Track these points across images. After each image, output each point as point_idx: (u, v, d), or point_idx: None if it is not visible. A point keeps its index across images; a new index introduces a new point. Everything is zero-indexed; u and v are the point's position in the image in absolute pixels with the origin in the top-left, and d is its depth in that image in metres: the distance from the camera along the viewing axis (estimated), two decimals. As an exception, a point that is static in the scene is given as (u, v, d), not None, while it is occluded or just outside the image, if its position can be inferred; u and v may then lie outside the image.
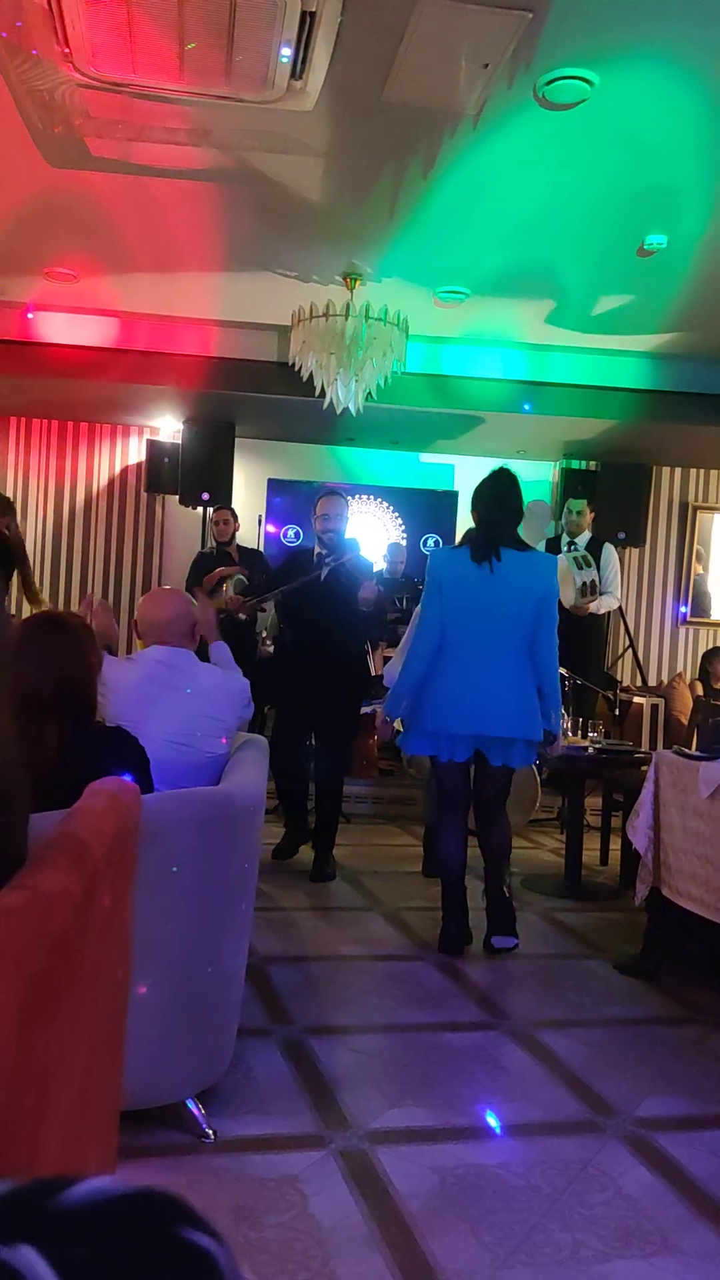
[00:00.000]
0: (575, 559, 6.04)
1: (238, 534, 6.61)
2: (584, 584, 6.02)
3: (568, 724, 4.63)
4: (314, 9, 3.05)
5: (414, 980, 3.28)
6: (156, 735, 2.28)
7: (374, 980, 3.26)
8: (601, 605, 6.16)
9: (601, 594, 6.15)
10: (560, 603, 6.10)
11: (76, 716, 2.06)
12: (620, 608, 7.76)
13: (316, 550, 4.72)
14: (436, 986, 3.24)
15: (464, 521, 8.14)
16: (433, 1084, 2.52)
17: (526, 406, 6.52)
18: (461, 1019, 2.98)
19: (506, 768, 3.57)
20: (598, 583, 6.01)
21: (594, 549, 6.30)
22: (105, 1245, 0.36)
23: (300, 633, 4.70)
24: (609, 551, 6.34)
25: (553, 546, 6.49)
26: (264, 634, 7.08)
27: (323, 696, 4.53)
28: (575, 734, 4.63)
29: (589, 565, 6.03)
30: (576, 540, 6.39)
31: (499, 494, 3.55)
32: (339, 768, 4.54)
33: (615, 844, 5.13)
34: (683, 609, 8.22)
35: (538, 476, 8.24)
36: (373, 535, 8.16)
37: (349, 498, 5.04)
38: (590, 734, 4.67)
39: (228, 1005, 2.26)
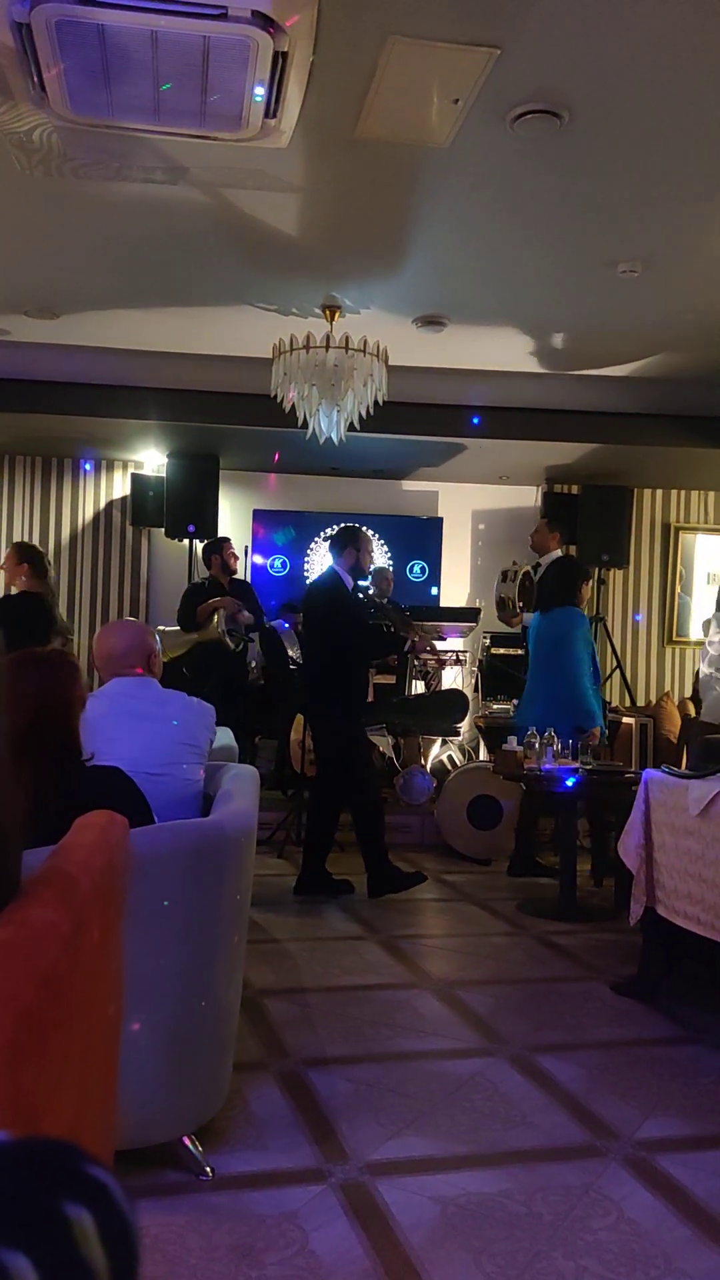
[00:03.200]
0: (501, 574, 6.24)
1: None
2: (500, 599, 6.28)
3: (557, 746, 4.63)
4: (286, 49, 3.10)
5: (411, 1009, 3.26)
6: (133, 769, 2.27)
7: (371, 1010, 3.24)
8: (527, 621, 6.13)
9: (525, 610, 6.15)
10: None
11: (56, 755, 2.04)
12: (607, 631, 7.80)
13: (369, 594, 4.88)
14: (434, 1014, 3.22)
15: (450, 547, 8.19)
16: (432, 1113, 2.50)
17: (476, 420, 6.59)
18: (459, 1046, 2.96)
19: None
20: (512, 599, 6.15)
21: (557, 566, 6.24)
22: (8, 1176, 0.39)
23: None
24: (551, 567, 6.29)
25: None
26: (254, 664, 7.09)
27: None
28: (565, 755, 4.63)
29: (509, 580, 6.20)
30: (541, 560, 6.38)
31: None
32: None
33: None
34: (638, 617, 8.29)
35: (522, 502, 8.30)
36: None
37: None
38: (581, 755, 4.67)
39: (223, 1039, 2.24)
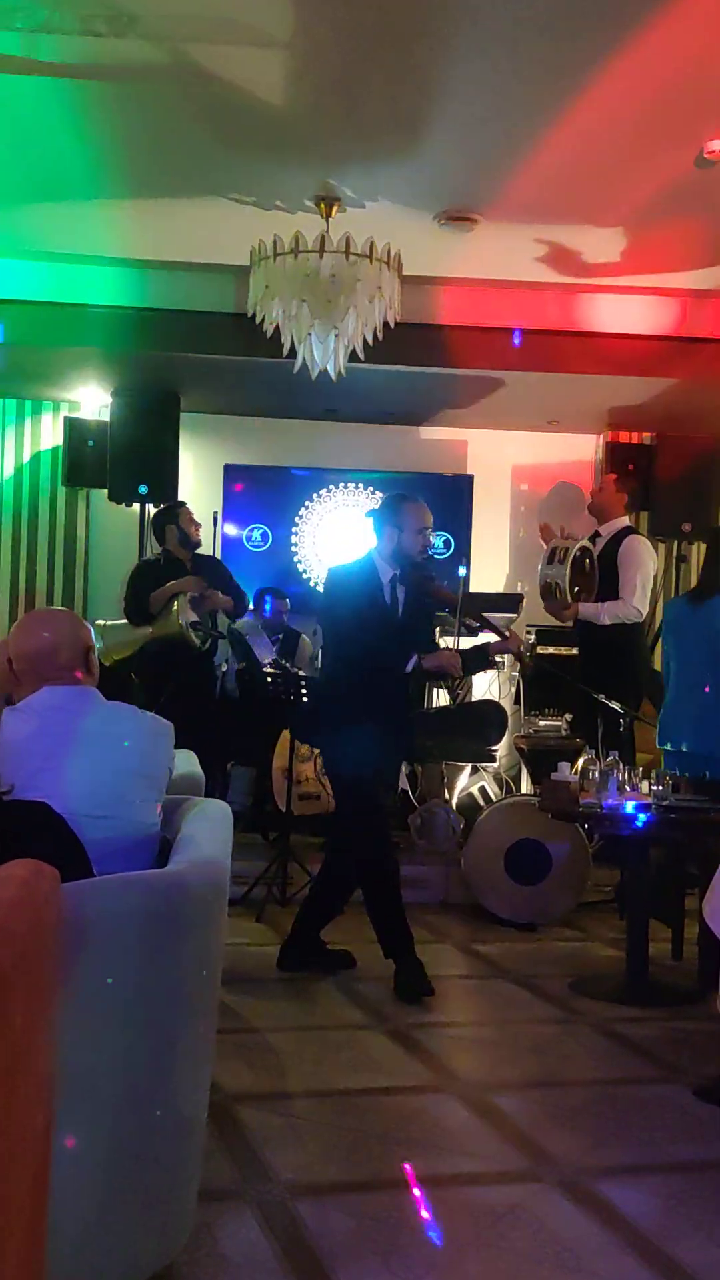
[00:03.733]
0: (547, 553, 6.08)
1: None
2: (546, 584, 6.06)
3: (620, 774, 4.62)
4: None
5: (430, 1119, 3.26)
6: (69, 808, 2.26)
7: (378, 1121, 3.23)
8: (605, 614, 6.09)
9: (608, 598, 6.09)
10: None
11: None
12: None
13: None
14: (460, 1125, 3.22)
15: (482, 513, 8.19)
16: (459, 1258, 2.50)
17: (516, 337, 6.56)
18: (493, 1168, 2.95)
19: None
20: (562, 586, 5.98)
21: (618, 541, 6.22)
22: None
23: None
24: (631, 546, 6.24)
25: None
26: (224, 666, 7.09)
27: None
28: (630, 786, 4.62)
29: (560, 562, 6.02)
30: (601, 529, 6.35)
31: None
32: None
33: (691, 932, 5.12)
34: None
35: (576, 454, 8.29)
36: (362, 535, 8.17)
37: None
38: (653, 786, 4.66)
39: (185, 1159, 2.23)
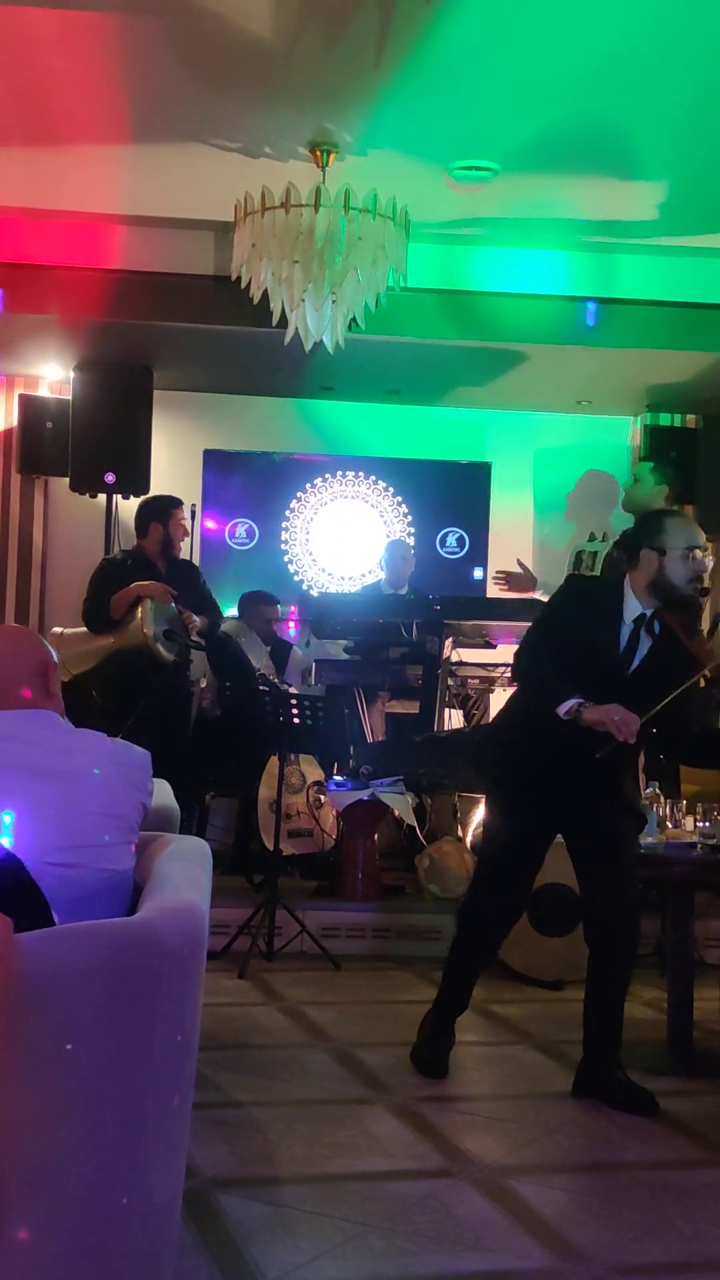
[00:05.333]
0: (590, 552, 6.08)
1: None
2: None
3: (662, 808, 4.61)
4: None
5: (442, 1209, 3.24)
6: (26, 854, 2.25)
7: (380, 1211, 3.21)
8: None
9: None
10: None
11: None
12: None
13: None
14: (476, 1216, 3.20)
15: (501, 507, 8.20)
16: None
17: (589, 315, 6.55)
18: (516, 1265, 2.94)
19: None
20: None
21: None
22: None
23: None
24: None
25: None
26: (202, 682, 7.08)
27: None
28: (673, 823, 4.61)
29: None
30: None
31: None
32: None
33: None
34: None
35: (609, 438, 8.30)
36: (364, 530, 8.19)
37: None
38: (699, 823, 4.66)
39: (155, 1255, 2.22)
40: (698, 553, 4.00)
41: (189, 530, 6.56)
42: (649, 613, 4.02)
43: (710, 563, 4.09)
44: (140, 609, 6.14)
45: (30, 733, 2.62)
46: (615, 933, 4.13)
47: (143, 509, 6.57)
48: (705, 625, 6.83)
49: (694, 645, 4.00)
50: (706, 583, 4.07)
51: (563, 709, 3.88)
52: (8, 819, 2.43)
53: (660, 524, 4.09)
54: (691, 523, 4.16)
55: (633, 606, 4.04)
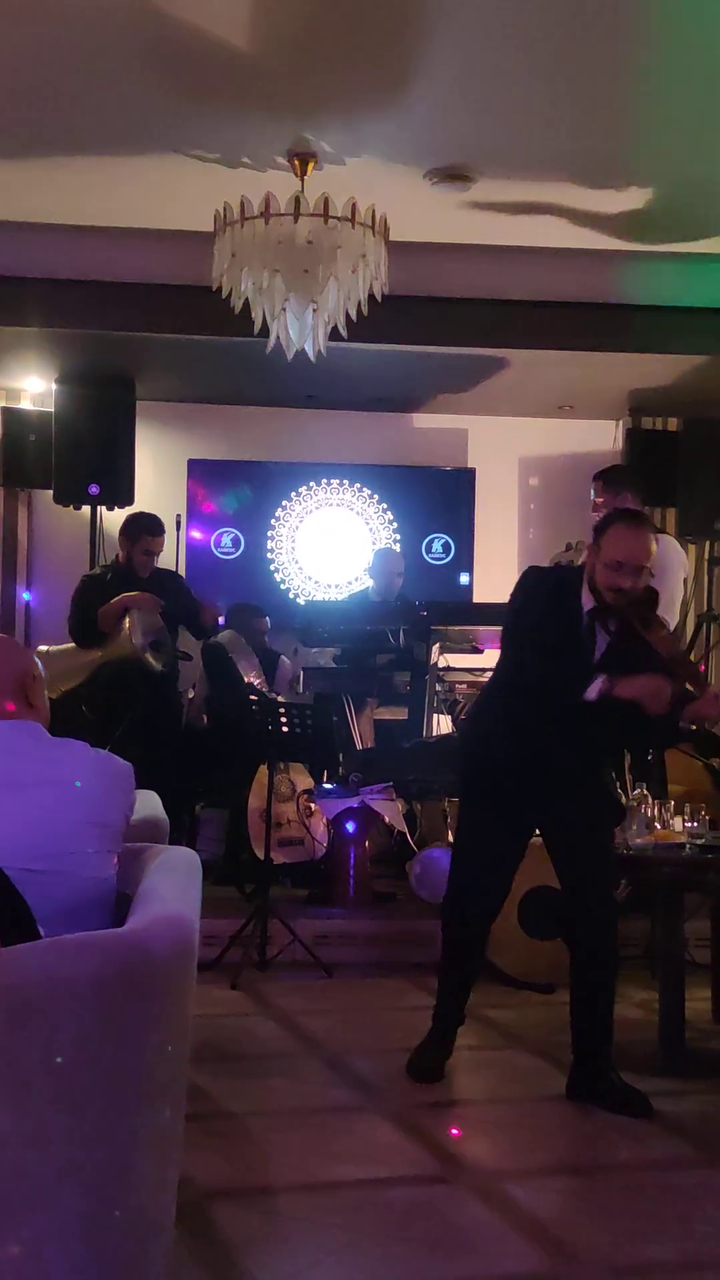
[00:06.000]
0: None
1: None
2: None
3: (650, 809, 4.61)
4: None
5: (438, 1215, 3.24)
6: (7, 862, 2.25)
7: (375, 1218, 3.21)
8: None
9: None
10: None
11: None
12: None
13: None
14: (472, 1222, 3.19)
15: (486, 512, 8.21)
16: None
17: None
18: (514, 1269, 2.93)
19: None
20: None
21: None
22: None
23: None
24: (661, 551, 6.30)
25: None
26: (191, 693, 7.08)
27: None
28: (661, 824, 4.61)
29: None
30: None
31: None
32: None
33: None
34: None
35: (592, 444, 8.31)
36: (349, 538, 8.20)
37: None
38: (688, 823, 4.66)
39: (149, 1268, 2.21)
40: (625, 570, 3.93)
41: (158, 552, 6.55)
42: (596, 608, 4.01)
43: (644, 583, 4.03)
44: (128, 620, 6.15)
45: (14, 743, 2.65)
46: (598, 924, 4.14)
47: (129, 527, 6.61)
48: (688, 630, 6.89)
49: (651, 636, 3.95)
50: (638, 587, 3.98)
51: (592, 691, 3.85)
52: None
53: (606, 527, 4.08)
54: (636, 538, 4.03)
55: (586, 599, 4.04)
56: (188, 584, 6.91)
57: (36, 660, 2.86)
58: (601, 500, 6.07)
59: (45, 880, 2.41)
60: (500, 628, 6.47)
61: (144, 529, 6.51)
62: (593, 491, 6.32)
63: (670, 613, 6.18)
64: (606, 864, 4.21)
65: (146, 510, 6.79)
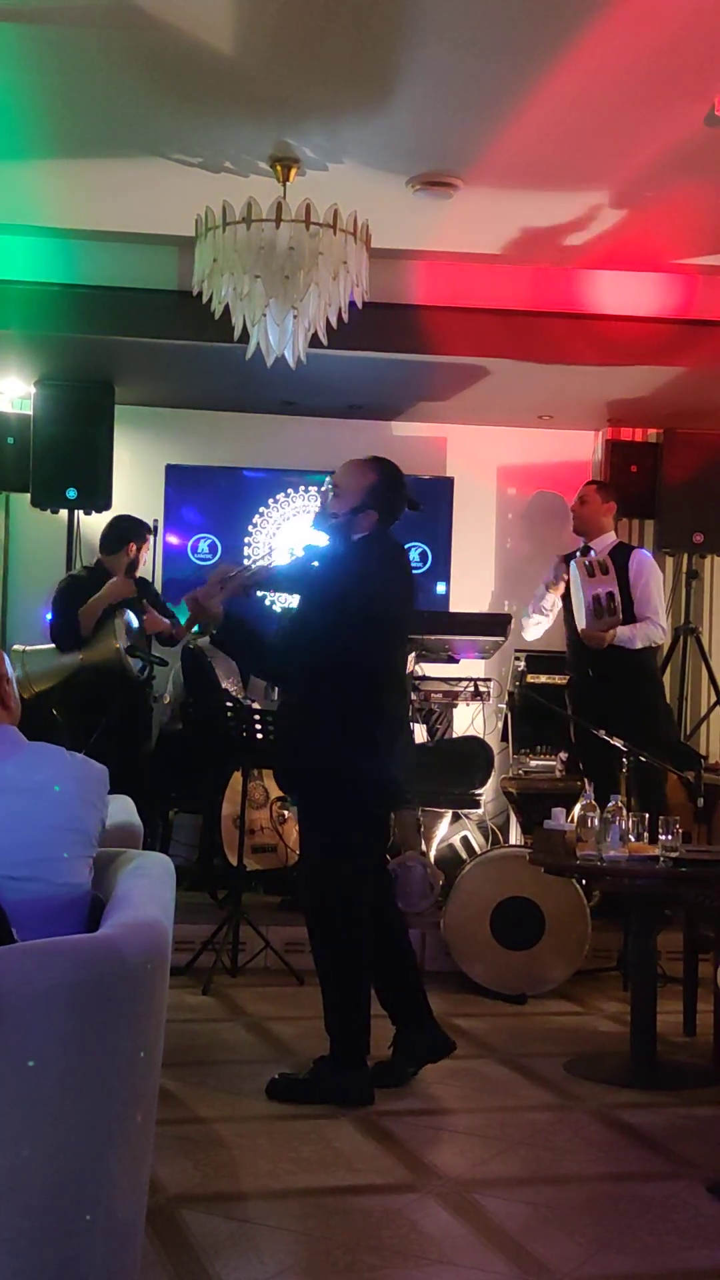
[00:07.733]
0: (587, 565, 6.13)
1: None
2: (596, 598, 6.09)
3: (627, 822, 4.63)
4: None
5: (407, 1223, 3.25)
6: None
7: (344, 1225, 3.22)
8: (637, 637, 6.21)
9: (638, 620, 6.22)
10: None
11: None
12: (702, 648, 7.83)
13: None
14: (440, 1230, 3.20)
15: (464, 521, 8.22)
16: None
17: None
18: (482, 1278, 2.94)
19: None
20: (615, 598, 6.06)
21: (621, 558, 6.36)
22: None
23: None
24: (641, 562, 6.41)
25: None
26: (165, 697, 7.08)
27: None
28: (636, 836, 4.64)
29: (604, 571, 6.10)
30: (592, 545, 6.49)
31: None
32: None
33: (706, 1003, 5.13)
34: None
35: (571, 454, 8.33)
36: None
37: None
38: (662, 836, 4.68)
39: (118, 1271, 2.22)
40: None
41: (144, 560, 6.66)
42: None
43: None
44: (114, 625, 6.18)
45: None
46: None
47: (115, 530, 6.65)
48: (666, 643, 6.95)
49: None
50: None
51: None
52: None
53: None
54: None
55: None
56: (157, 592, 6.98)
57: (5, 658, 2.85)
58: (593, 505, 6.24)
59: (20, 886, 2.41)
60: (475, 637, 6.57)
61: (144, 529, 6.67)
62: (583, 498, 6.43)
63: (666, 619, 6.33)
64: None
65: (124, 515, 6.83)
